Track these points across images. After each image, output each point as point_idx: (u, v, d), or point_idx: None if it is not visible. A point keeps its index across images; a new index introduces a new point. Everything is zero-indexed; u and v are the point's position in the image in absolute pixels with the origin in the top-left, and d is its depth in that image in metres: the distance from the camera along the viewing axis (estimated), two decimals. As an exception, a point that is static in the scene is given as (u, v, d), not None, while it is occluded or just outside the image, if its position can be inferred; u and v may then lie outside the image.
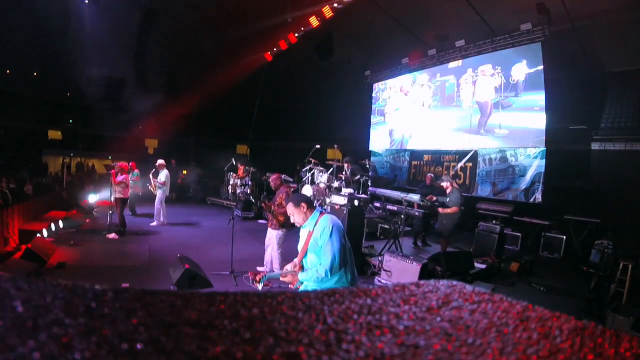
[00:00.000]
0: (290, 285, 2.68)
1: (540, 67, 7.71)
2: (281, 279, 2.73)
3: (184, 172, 14.56)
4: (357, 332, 0.34)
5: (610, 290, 4.60)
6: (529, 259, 6.35)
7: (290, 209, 2.67)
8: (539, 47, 7.70)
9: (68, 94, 15.83)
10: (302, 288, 2.58)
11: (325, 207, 6.21)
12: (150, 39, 12.23)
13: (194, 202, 12.87)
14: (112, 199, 7.41)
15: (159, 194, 8.39)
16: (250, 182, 11.42)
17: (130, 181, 7.88)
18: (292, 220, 2.74)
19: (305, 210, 2.61)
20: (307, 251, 2.60)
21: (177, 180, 13.63)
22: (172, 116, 15.81)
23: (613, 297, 4.51)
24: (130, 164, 8.60)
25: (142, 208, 9.34)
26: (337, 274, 2.44)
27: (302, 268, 2.67)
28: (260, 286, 2.80)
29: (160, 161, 8.57)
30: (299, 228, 2.74)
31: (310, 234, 2.57)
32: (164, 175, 8.42)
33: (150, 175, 8.61)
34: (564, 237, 6.87)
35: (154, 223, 8.41)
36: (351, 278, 2.52)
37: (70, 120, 17.32)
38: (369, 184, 9.08)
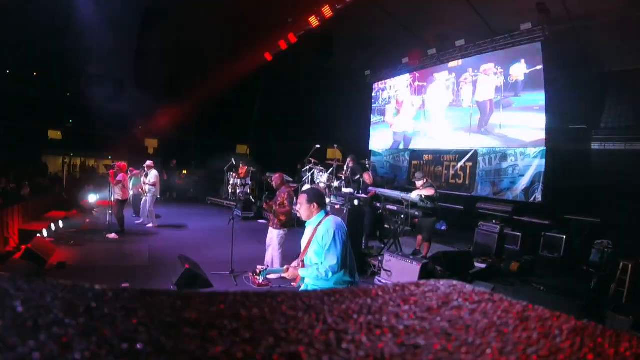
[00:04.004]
0: (293, 284, 2.70)
1: (540, 67, 7.70)
2: (283, 274, 2.76)
3: (184, 172, 14.58)
4: (357, 332, 0.34)
5: (610, 290, 4.60)
6: (529, 259, 6.34)
7: (301, 200, 2.70)
8: (539, 47, 7.70)
9: (68, 94, 15.82)
10: (303, 286, 2.61)
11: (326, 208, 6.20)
12: (150, 38, 12.22)
13: (194, 202, 12.87)
14: (113, 199, 7.42)
15: (148, 195, 8.27)
16: (250, 182, 11.42)
17: (129, 183, 7.87)
18: (296, 208, 2.77)
19: (313, 209, 2.65)
20: (308, 250, 2.62)
21: (176, 181, 13.63)
22: (172, 116, 15.80)
23: (613, 297, 4.51)
24: (130, 169, 8.57)
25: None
26: (337, 275, 2.46)
27: (304, 265, 2.70)
28: (260, 279, 2.82)
29: (149, 162, 8.45)
30: (301, 227, 2.77)
31: (313, 233, 2.60)
32: (153, 176, 8.25)
33: (142, 177, 8.55)
34: (564, 237, 6.86)
35: (150, 225, 8.38)
36: (350, 279, 2.54)
37: (70, 120, 17.29)
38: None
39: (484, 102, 8.94)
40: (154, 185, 8.21)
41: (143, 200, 8.45)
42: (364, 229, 6.59)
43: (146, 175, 8.40)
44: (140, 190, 8.57)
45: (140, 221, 8.52)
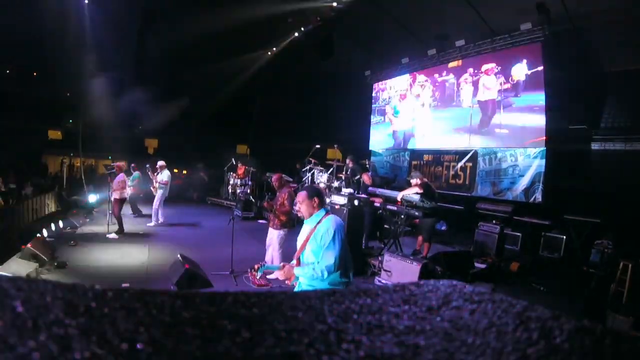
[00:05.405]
0: (287, 282, 2.68)
1: (540, 67, 7.70)
2: (278, 272, 2.74)
3: (184, 172, 14.61)
4: (357, 332, 0.34)
5: (610, 290, 4.59)
6: (529, 259, 6.34)
7: (301, 197, 2.66)
8: (539, 47, 7.70)
9: (68, 94, 15.83)
10: (297, 285, 2.60)
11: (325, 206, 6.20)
12: (150, 38, 12.23)
13: (194, 202, 12.87)
14: (112, 199, 7.44)
15: (158, 194, 8.40)
16: (250, 182, 11.42)
17: (129, 182, 7.90)
18: (296, 207, 2.73)
19: (315, 205, 2.62)
20: (305, 247, 2.60)
21: (175, 181, 13.67)
22: (172, 116, 15.82)
23: (613, 297, 4.51)
24: (132, 165, 8.68)
25: (147, 208, 9.33)
26: (333, 276, 2.44)
27: (299, 263, 2.67)
28: (258, 275, 2.80)
29: (161, 162, 8.61)
30: (301, 226, 2.75)
31: (312, 231, 2.57)
32: (166, 175, 8.47)
33: (154, 175, 8.64)
34: (564, 237, 6.85)
35: (151, 223, 8.43)
36: (345, 280, 2.52)
37: (70, 120, 17.30)
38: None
39: (486, 102, 8.93)
40: (165, 184, 8.42)
41: (155, 199, 8.55)
42: (364, 229, 6.60)
43: (157, 174, 8.54)
44: (152, 188, 8.68)
45: (157, 222, 8.60)
